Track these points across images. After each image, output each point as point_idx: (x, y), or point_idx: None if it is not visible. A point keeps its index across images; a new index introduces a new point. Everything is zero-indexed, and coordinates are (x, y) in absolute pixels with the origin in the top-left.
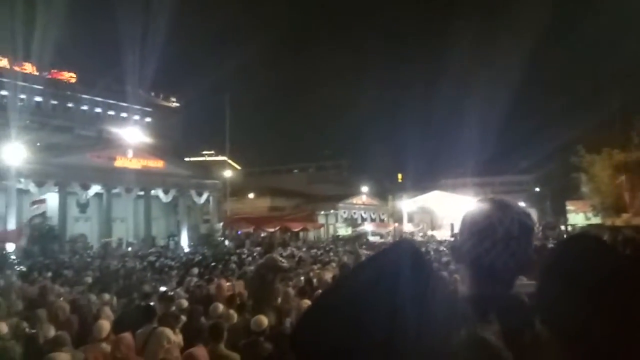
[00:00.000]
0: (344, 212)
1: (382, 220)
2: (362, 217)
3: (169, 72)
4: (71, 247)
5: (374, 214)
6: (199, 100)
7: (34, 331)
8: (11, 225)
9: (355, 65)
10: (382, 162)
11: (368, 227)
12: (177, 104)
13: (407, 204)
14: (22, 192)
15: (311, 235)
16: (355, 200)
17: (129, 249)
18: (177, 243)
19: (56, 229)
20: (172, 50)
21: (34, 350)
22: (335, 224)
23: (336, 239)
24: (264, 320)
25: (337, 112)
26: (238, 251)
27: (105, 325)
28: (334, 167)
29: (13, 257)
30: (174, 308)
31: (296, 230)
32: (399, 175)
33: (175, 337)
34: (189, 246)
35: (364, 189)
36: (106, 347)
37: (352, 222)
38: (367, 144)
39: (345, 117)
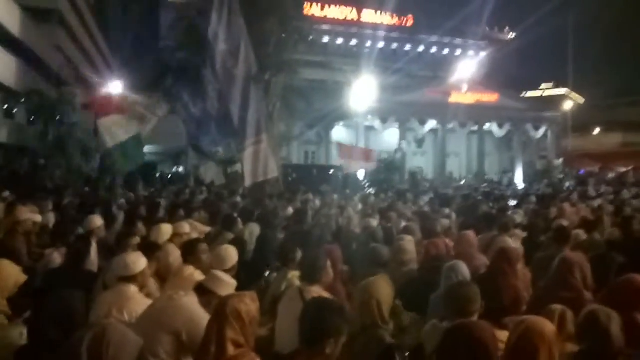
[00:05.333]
0: None
1: None
2: None
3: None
4: (410, 178)
5: None
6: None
7: (389, 225)
8: None
9: None
10: None
11: None
12: (513, 35)
13: None
14: (369, 129)
15: None
16: None
17: (462, 182)
18: (511, 179)
19: (398, 162)
20: None
21: (389, 237)
22: None
23: None
24: None
25: None
26: (580, 189)
27: (443, 223)
28: None
29: (364, 182)
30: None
31: None
32: None
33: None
34: (524, 182)
35: None
36: (449, 241)
37: None
38: None
39: None
